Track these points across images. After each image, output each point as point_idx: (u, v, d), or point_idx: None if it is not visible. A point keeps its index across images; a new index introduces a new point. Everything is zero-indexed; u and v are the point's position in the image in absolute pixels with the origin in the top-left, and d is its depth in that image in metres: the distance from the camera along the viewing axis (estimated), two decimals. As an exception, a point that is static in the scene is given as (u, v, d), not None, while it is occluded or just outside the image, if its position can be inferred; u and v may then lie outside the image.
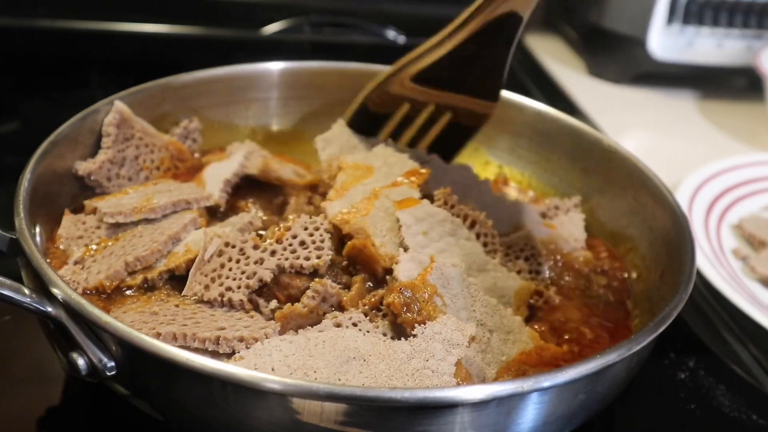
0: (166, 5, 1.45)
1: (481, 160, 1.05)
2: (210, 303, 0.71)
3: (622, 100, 1.56)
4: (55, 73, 1.35)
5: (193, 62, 1.03)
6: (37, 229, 0.75)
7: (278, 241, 0.74)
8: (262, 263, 0.72)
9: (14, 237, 0.68)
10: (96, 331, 0.60)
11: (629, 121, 1.50)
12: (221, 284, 0.71)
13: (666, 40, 1.50)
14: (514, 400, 0.58)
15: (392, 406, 0.55)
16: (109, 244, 0.77)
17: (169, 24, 1.45)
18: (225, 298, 0.70)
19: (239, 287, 0.70)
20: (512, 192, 1.01)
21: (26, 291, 0.62)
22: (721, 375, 0.86)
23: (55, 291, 0.61)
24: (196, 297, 0.71)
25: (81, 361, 0.60)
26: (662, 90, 1.60)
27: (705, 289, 0.99)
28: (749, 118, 1.54)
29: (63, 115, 0.84)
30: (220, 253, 0.73)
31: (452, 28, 0.84)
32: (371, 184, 0.84)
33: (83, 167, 0.84)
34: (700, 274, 0.98)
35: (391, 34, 1.57)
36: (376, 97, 0.93)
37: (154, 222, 0.79)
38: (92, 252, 0.76)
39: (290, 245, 0.74)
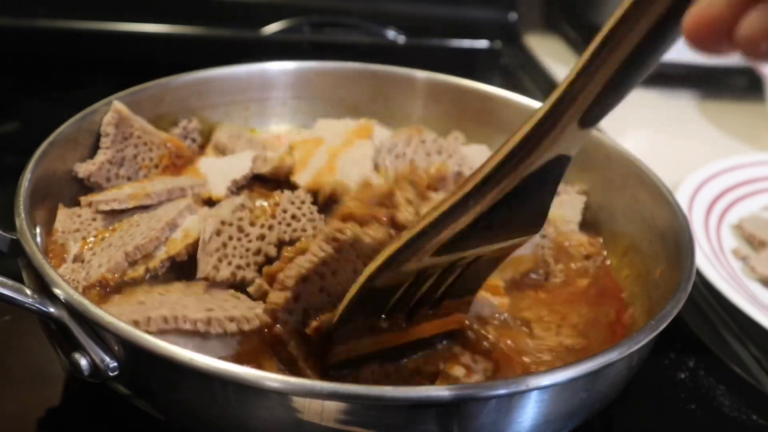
0: (166, 5, 1.45)
1: (481, 160, 1.05)
2: (217, 284, 0.71)
3: (622, 100, 1.56)
4: (55, 73, 1.35)
5: (193, 62, 1.03)
6: (38, 230, 0.75)
7: (273, 215, 0.75)
8: (263, 239, 0.73)
9: (15, 237, 0.67)
10: (98, 332, 0.60)
11: (629, 120, 1.50)
12: (230, 263, 0.71)
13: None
14: (515, 398, 0.58)
15: (392, 405, 0.55)
16: (107, 235, 0.76)
17: (169, 24, 1.45)
18: (237, 278, 0.70)
19: (248, 265, 0.71)
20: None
21: (28, 292, 0.62)
22: (721, 375, 0.86)
23: (56, 291, 0.61)
24: (208, 280, 0.71)
25: (83, 362, 0.60)
26: (662, 90, 1.60)
27: (705, 289, 0.99)
28: (749, 118, 1.54)
29: (63, 115, 0.84)
30: (219, 233, 0.73)
31: (476, 183, 0.57)
32: (326, 150, 0.89)
33: (83, 169, 0.84)
34: (700, 274, 0.98)
35: (391, 34, 1.57)
36: (386, 278, 0.63)
37: (149, 209, 0.79)
38: (90, 245, 0.76)
39: (284, 219, 0.75)
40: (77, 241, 0.77)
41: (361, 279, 0.62)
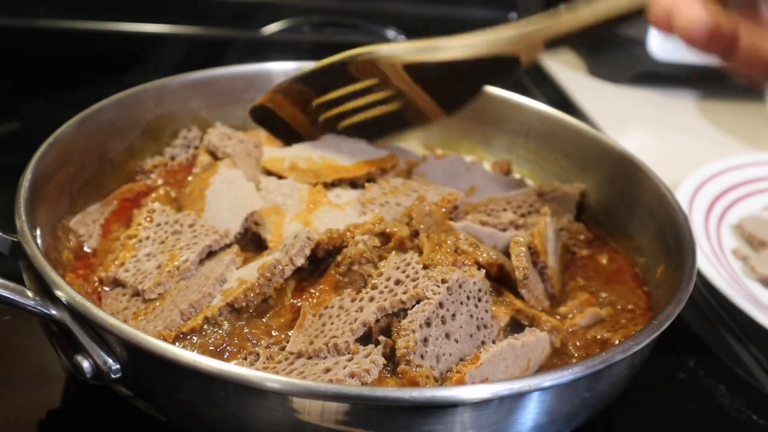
0: (166, 5, 1.44)
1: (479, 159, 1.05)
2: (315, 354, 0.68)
3: (622, 100, 1.56)
4: (55, 73, 1.35)
5: (193, 62, 1.03)
6: (38, 231, 0.75)
7: (374, 287, 0.72)
8: (362, 311, 0.70)
9: (15, 239, 0.67)
10: (101, 333, 0.60)
11: (629, 120, 1.50)
12: (325, 335, 0.68)
13: (666, 40, 1.50)
14: (517, 398, 0.58)
15: (394, 406, 0.55)
16: (157, 304, 0.73)
17: (169, 24, 1.45)
18: (330, 344, 0.67)
19: (343, 333, 0.68)
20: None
21: (29, 294, 0.61)
22: (721, 375, 0.86)
23: (58, 293, 0.61)
24: (301, 353, 0.68)
25: (86, 364, 0.60)
26: (662, 90, 1.60)
27: (705, 289, 0.99)
28: (749, 118, 1.54)
29: (63, 115, 0.84)
30: (320, 316, 0.71)
31: (467, 41, 0.85)
32: (294, 219, 0.84)
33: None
34: (700, 274, 0.98)
35: (391, 34, 1.56)
36: (360, 64, 0.90)
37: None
38: (143, 316, 0.73)
39: (386, 287, 0.72)
40: (129, 319, 0.73)
41: (342, 56, 0.91)
